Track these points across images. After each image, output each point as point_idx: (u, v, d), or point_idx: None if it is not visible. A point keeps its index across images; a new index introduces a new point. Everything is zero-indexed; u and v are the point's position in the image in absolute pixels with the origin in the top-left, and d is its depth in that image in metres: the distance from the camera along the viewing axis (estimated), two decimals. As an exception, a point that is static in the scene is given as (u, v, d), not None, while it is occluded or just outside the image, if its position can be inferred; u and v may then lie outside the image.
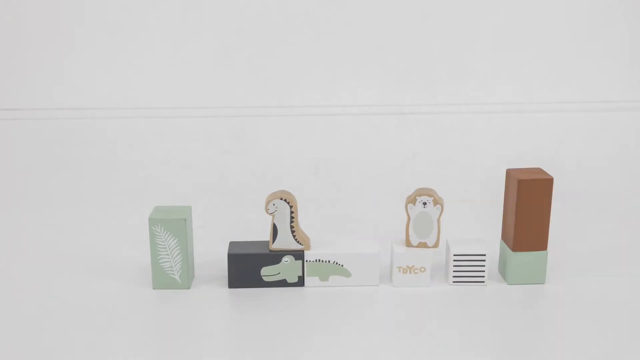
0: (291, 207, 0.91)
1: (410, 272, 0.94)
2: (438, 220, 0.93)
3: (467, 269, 0.95)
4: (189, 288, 0.94)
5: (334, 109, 1.45)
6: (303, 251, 0.93)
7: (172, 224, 0.91)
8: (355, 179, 1.34)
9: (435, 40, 1.46)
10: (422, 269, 0.94)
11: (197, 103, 1.45)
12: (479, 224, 1.17)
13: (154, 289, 0.94)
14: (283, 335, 0.83)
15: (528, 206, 0.93)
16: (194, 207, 1.01)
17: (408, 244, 0.94)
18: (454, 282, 0.95)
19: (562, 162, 1.39)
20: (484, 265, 0.95)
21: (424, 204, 0.92)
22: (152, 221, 0.92)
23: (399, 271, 0.94)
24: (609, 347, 0.81)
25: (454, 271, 0.95)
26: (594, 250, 1.06)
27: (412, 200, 0.93)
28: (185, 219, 0.92)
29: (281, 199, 0.91)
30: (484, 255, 0.94)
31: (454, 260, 0.94)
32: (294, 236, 0.92)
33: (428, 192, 0.93)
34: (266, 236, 0.97)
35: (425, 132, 1.43)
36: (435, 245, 0.94)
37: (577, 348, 0.81)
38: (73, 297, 0.92)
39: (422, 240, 0.94)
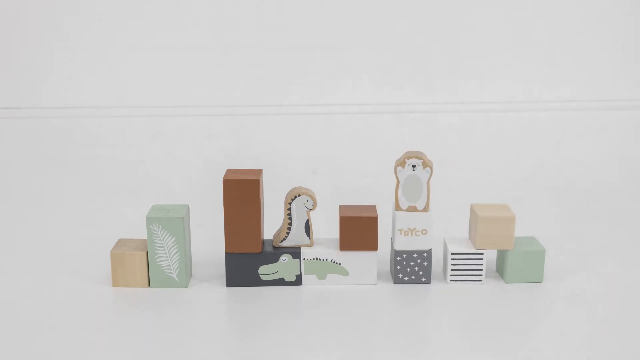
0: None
1: (411, 235, 0.93)
2: (427, 183, 0.92)
3: (465, 268, 0.95)
4: (186, 287, 0.94)
5: (332, 108, 1.45)
6: (300, 250, 0.93)
7: (170, 223, 0.91)
8: (353, 177, 1.34)
9: (434, 39, 1.46)
10: (424, 231, 0.93)
11: (195, 102, 1.45)
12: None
13: (151, 287, 0.94)
14: (281, 334, 0.83)
15: (235, 206, 0.91)
16: (192, 205, 1.01)
17: (397, 207, 0.93)
18: (451, 280, 0.95)
19: (560, 161, 1.39)
20: (481, 264, 0.95)
21: (413, 166, 0.91)
22: (150, 220, 0.92)
23: (400, 233, 0.93)
24: (607, 346, 0.81)
25: (451, 270, 0.95)
26: (591, 249, 1.06)
27: (401, 163, 0.92)
28: (182, 218, 0.92)
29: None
30: (482, 253, 0.94)
31: (452, 259, 0.94)
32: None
33: (417, 154, 0.92)
34: (265, 235, 0.97)
35: (424, 131, 1.44)
36: (425, 209, 0.93)
37: (575, 347, 0.81)
38: (70, 296, 0.92)
39: (412, 204, 0.93)
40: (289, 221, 0.93)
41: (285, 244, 0.94)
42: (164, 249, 0.92)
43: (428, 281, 0.95)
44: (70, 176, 1.34)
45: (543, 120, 1.45)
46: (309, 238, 0.94)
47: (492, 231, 0.93)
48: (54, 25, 1.43)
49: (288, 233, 0.93)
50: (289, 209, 0.92)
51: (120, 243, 0.96)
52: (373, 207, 0.95)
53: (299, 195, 0.92)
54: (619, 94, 1.47)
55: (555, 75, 1.47)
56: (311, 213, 0.93)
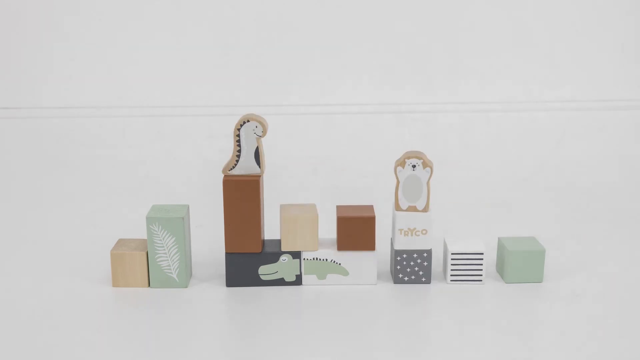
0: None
1: (411, 235, 0.93)
2: (427, 183, 0.92)
3: (465, 268, 0.95)
4: (186, 287, 0.94)
5: (332, 108, 1.45)
6: (300, 250, 0.93)
7: (170, 223, 0.91)
8: (353, 177, 1.34)
9: (434, 39, 1.46)
10: (424, 231, 0.93)
11: (195, 102, 1.45)
12: (477, 222, 1.17)
13: (151, 287, 0.94)
14: (281, 334, 0.83)
15: (235, 206, 0.91)
16: (192, 205, 1.01)
17: (397, 207, 0.93)
18: (451, 280, 0.95)
19: (560, 161, 1.39)
20: (481, 264, 0.95)
21: (413, 166, 0.91)
22: (150, 220, 0.92)
23: (400, 233, 0.93)
24: (607, 345, 0.81)
25: (451, 270, 0.95)
26: (591, 249, 1.06)
27: (401, 163, 0.92)
28: (183, 218, 0.92)
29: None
30: (482, 254, 0.94)
31: (452, 259, 0.94)
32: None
33: (417, 154, 0.92)
34: (265, 235, 0.97)
35: (424, 131, 1.44)
36: (425, 209, 0.93)
37: (575, 347, 0.81)
38: (70, 296, 0.92)
39: (412, 204, 0.93)
40: (238, 148, 0.91)
41: (235, 172, 0.91)
42: (164, 249, 0.92)
43: (428, 281, 0.95)
44: (70, 176, 1.34)
45: (543, 120, 1.45)
46: (259, 167, 0.91)
47: (296, 231, 0.93)
48: (54, 25, 1.43)
49: (237, 161, 0.91)
50: (238, 136, 0.90)
51: (120, 243, 0.96)
52: (371, 207, 0.95)
53: (248, 121, 0.90)
54: (619, 94, 1.47)
55: (555, 75, 1.47)
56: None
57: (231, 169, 0.91)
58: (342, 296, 0.92)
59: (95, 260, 1.01)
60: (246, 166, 0.91)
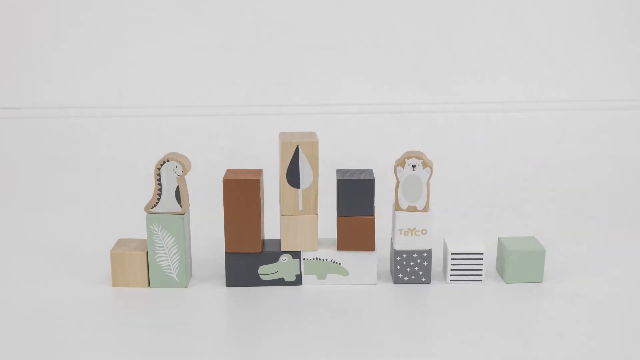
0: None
1: (411, 235, 0.93)
2: (427, 183, 0.92)
3: (465, 268, 0.95)
4: (186, 287, 0.94)
5: (332, 108, 1.45)
6: (300, 250, 0.93)
7: (170, 223, 0.91)
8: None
9: (434, 39, 1.46)
10: (424, 231, 0.93)
11: (195, 102, 1.45)
12: (477, 222, 1.17)
13: (151, 287, 0.94)
14: (280, 334, 0.83)
15: (235, 206, 0.91)
16: (192, 205, 1.01)
17: (397, 207, 0.93)
18: (451, 280, 0.95)
19: (560, 161, 1.39)
20: (481, 264, 0.94)
21: (413, 166, 0.91)
22: (150, 219, 0.92)
23: (400, 233, 0.93)
24: (607, 345, 0.81)
25: (451, 270, 0.95)
26: (591, 249, 1.06)
27: (401, 163, 0.92)
28: (182, 217, 0.92)
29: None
30: (482, 254, 0.94)
31: (452, 259, 0.94)
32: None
33: (417, 154, 0.92)
34: (264, 235, 0.97)
35: (424, 131, 1.44)
36: (425, 209, 0.93)
37: (575, 347, 0.81)
38: (70, 296, 0.92)
39: (412, 204, 0.93)
40: (159, 187, 0.91)
41: (157, 210, 0.92)
42: (164, 249, 0.92)
43: (428, 281, 0.95)
44: (70, 176, 1.34)
45: (543, 120, 1.45)
46: (180, 205, 0.92)
47: (296, 231, 0.93)
48: (54, 25, 1.43)
49: (159, 199, 0.92)
50: (159, 175, 0.91)
51: (120, 243, 0.96)
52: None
53: (168, 161, 0.90)
54: (619, 94, 1.47)
55: (555, 75, 1.47)
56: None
57: (153, 207, 0.92)
58: (342, 296, 0.92)
59: (95, 260, 1.01)
60: (167, 205, 0.92)
